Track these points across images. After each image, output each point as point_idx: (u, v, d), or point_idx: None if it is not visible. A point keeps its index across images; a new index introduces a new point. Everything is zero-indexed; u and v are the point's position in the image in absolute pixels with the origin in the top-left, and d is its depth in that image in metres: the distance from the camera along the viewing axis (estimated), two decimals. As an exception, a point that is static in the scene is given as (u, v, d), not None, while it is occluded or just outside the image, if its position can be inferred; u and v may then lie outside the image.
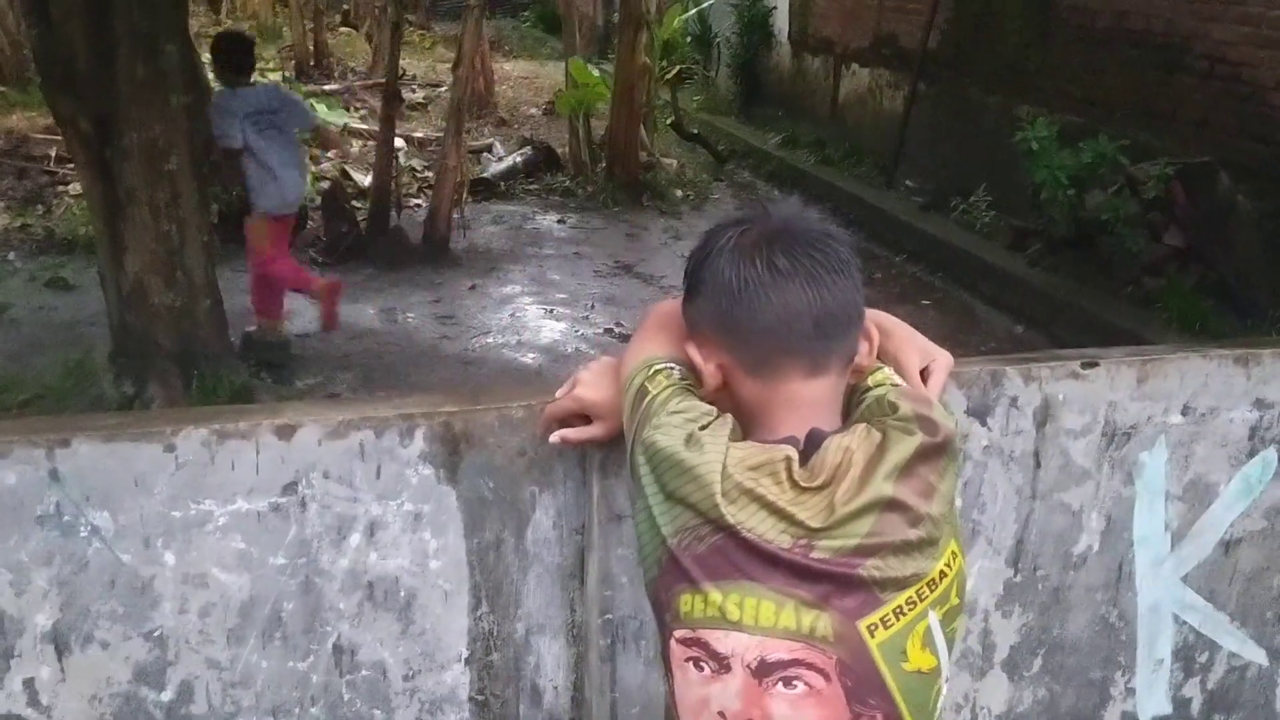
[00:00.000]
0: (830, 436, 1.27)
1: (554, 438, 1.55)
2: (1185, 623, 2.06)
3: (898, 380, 1.42)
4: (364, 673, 1.66)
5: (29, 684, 1.52)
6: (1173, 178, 6.04)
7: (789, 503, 1.22)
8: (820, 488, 1.23)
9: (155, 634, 1.56)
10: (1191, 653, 2.09)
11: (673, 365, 1.39)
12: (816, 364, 1.31)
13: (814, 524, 1.21)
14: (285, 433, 1.55)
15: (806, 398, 1.31)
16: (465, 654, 1.70)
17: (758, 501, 1.22)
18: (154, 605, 1.55)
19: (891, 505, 1.23)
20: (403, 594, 1.65)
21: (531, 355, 5.80)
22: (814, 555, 1.21)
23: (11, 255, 6.98)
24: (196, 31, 13.50)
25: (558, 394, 1.57)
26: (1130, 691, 2.08)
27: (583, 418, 1.55)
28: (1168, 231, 6.15)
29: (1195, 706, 2.12)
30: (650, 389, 1.35)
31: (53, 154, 8.79)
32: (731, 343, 1.32)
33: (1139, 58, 6.72)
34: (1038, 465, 1.89)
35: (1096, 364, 1.88)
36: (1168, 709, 2.11)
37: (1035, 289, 6.57)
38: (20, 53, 10.75)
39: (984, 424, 1.84)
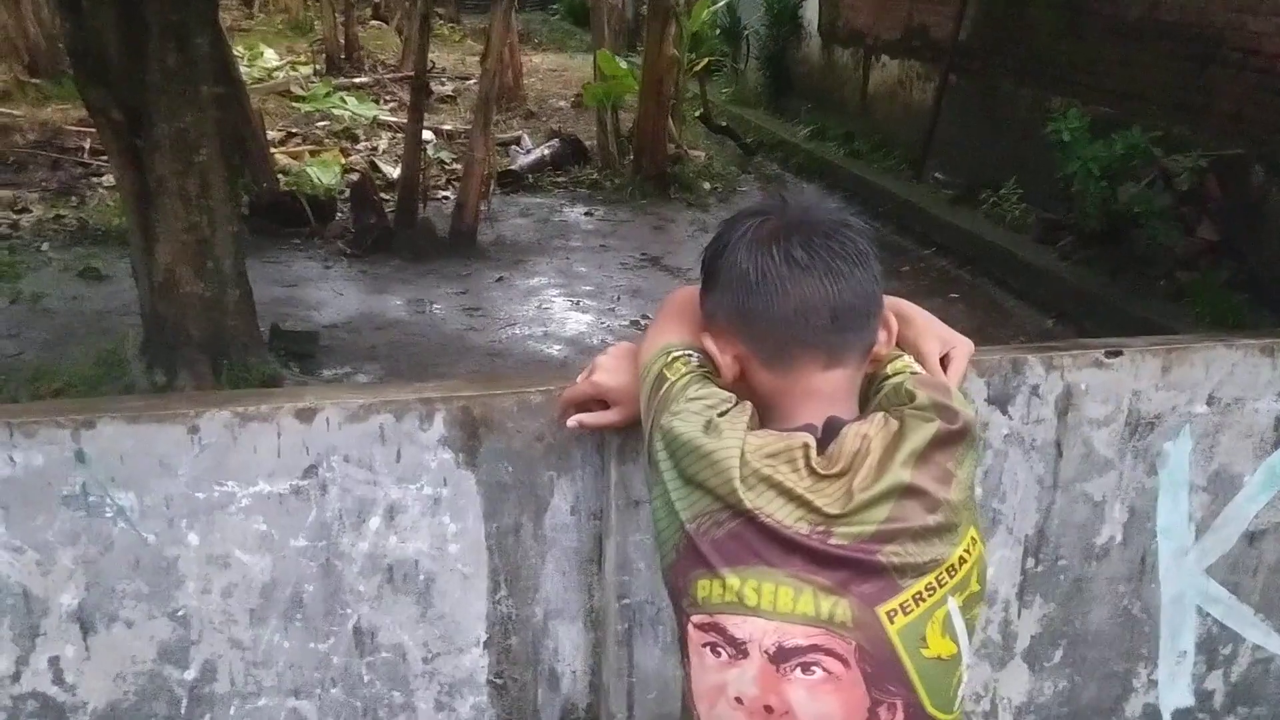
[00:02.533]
0: (848, 424, 1.27)
1: (571, 422, 1.56)
2: (1208, 615, 2.04)
3: (917, 368, 1.41)
4: (383, 655, 1.68)
5: (54, 662, 1.54)
6: (1206, 170, 5.97)
7: (807, 489, 1.22)
8: (838, 475, 1.23)
9: (179, 613, 1.58)
10: (1215, 645, 2.07)
11: (691, 352, 1.39)
12: (834, 355, 1.30)
13: (831, 510, 1.21)
14: (306, 416, 1.56)
15: (824, 388, 1.31)
16: (484, 637, 1.71)
17: (775, 488, 1.22)
18: (178, 585, 1.57)
19: (909, 491, 1.23)
20: (422, 577, 1.66)
21: (557, 347, 5.82)
22: (832, 541, 1.21)
23: (45, 246, 7.07)
24: (229, 25, 13.61)
25: (577, 379, 1.58)
26: (1152, 684, 2.06)
27: (600, 403, 1.56)
28: (1201, 225, 6.08)
29: (1218, 699, 2.10)
30: (668, 376, 1.36)
31: (86, 146, 8.90)
32: (748, 334, 1.32)
33: (1172, 49, 6.64)
34: (1059, 455, 1.88)
35: (1120, 353, 1.86)
36: (1190, 701, 2.09)
37: (1066, 283, 6.51)
38: (54, 46, 10.88)
39: (1005, 412, 1.83)
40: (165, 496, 1.54)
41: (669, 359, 1.38)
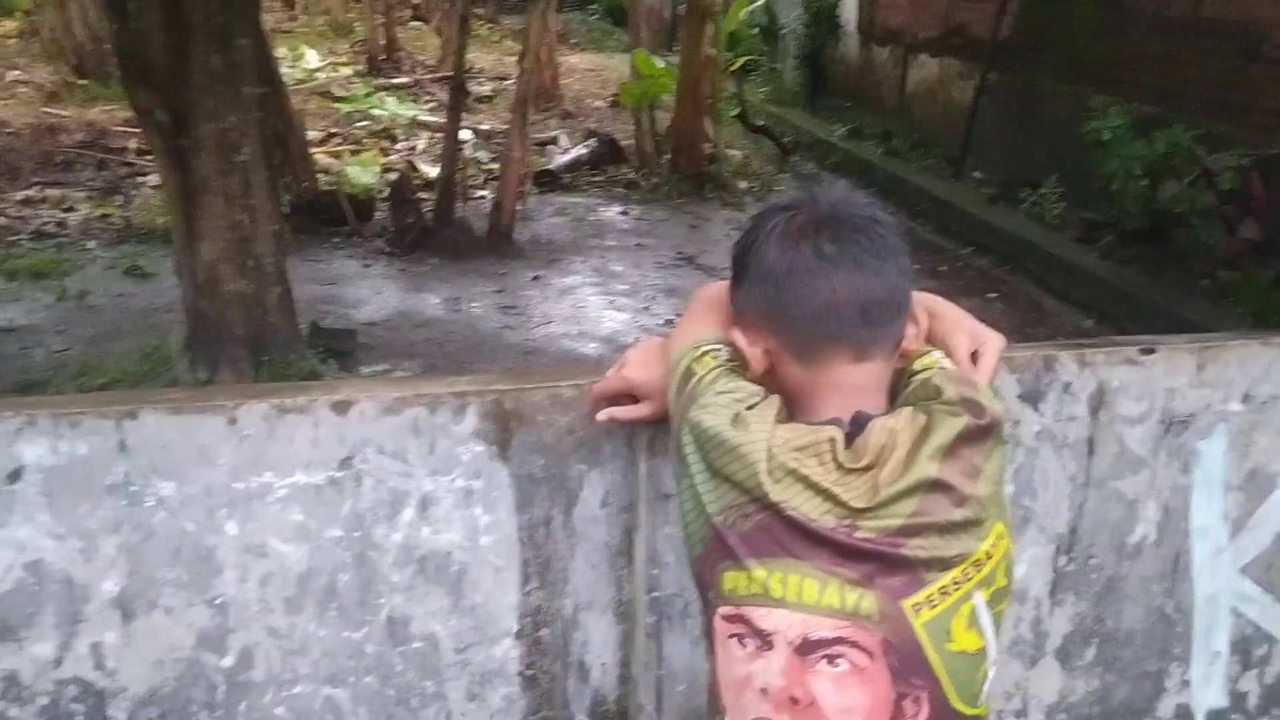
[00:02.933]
0: (875, 419, 1.28)
1: (601, 416, 1.58)
2: (1243, 615, 2.02)
3: (946, 363, 1.42)
4: (416, 644, 1.71)
5: (95, 648, 1.58)
6: (1249, 169, 5.88)
7: (833, 483, 1.23)
8: (865, 469, 1.24)
9: (217, 601, 1.62)
10: (1249, 645, 2.05)
11: (720, 346, 1.40)
12: (863, 350, 1.31)
13: (858, 504, 1.22)
14: (342, 408, 1.59)
15: (852, 383, 1.32)
16: (515, 629, 1.73)
17: (802, 481, 1.23)
18: (216, 573, 1.61)
19: (936, 486, 1.23)
20: (454, 569, 1.68)
21: (592, 345, 5.84)
22: (858, 535, 1.22)
23: (92, 244, 7.20)
24: (272, 27, 13.77)
25: (607, 374, 1.59)
26: (1185, 684, 2.05)
27: (631, 397, 1.57)
28: (1243, 224, 5.99)
29: (1252, 700, 2.08)
30: (697, 370, 1.37)
31: (132, 146, 9.04)
32: (777, 329, 1.33)
33: (1215, 47, 6.55)
34: (1091, 452, 1.87)
35: (1154, 350, 1.85)
36: (1224, 702, 2.07)
37: (1106, 282, 6.44)
38: (101, 48, 11.05)
39: (1036, 409, 1.82)
40: (205, 486, 1.57)
41: (698, 353, 1.39)
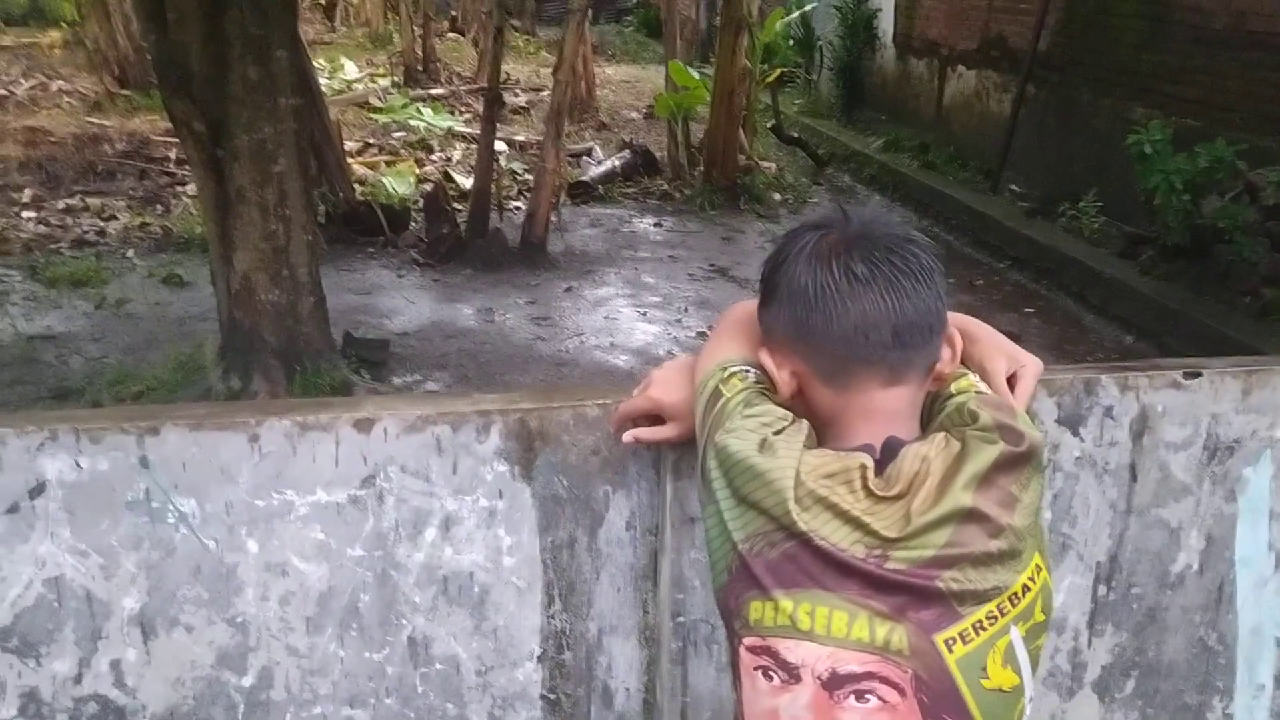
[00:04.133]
0: (907, 445, 1.24)
1: (627, 437, 1.54)
2: (1290, 649, 1.96)
3: (982, 387, 1.38)
4: (438, 666, 1.68)
5: (115, 665, 1.57)
6: (1294, 184, 5.77)
7: (863, 512, 1.19)
8: (896, 497, 1.20)
9: (238, 620, 1.60)
10: (1297, 681, 1.99)
11: (748, 368, 1.36)
12: (895, 373, 1.27)
13: (889, 534, 1.18)
14: (364, 426, 1.57)
15: (884, 407, 1.28)
16: (538, 651, 1.70)
17: (831, 510, 1.19)
18: (237, 592, 1.59)
19: (970, 516, 1.19)
20: (476, 590, 1.66)
21: (624, 357, 5.82)
22: (889, 566, 1.18)
23: (131, 253, 7.28)
24: (311, 38, 13.90)
25: (633, 393, 1.56)
26: (1228, 718, 1.98)
27: (657, 418, 1.54)
28: (1288, 240, 5.88)
29: (1300, 737, 2.01)
30: (724, 392, 1.34)
31: (172, 156, 9.15)
32: (807, 351, 1.29)
33: (1259, 60, 6.43)
34: (1133, 479, 1.81)
35: (1199, 374, 1.79)
36: (1270, 738, 2.00)
37: (1147, 298, 6.34)
38: (144, 58, 11.21)
39: (1076, 434, 1.77)
40: (226, 503, 1.55)
41: (725, 375, 1.36)
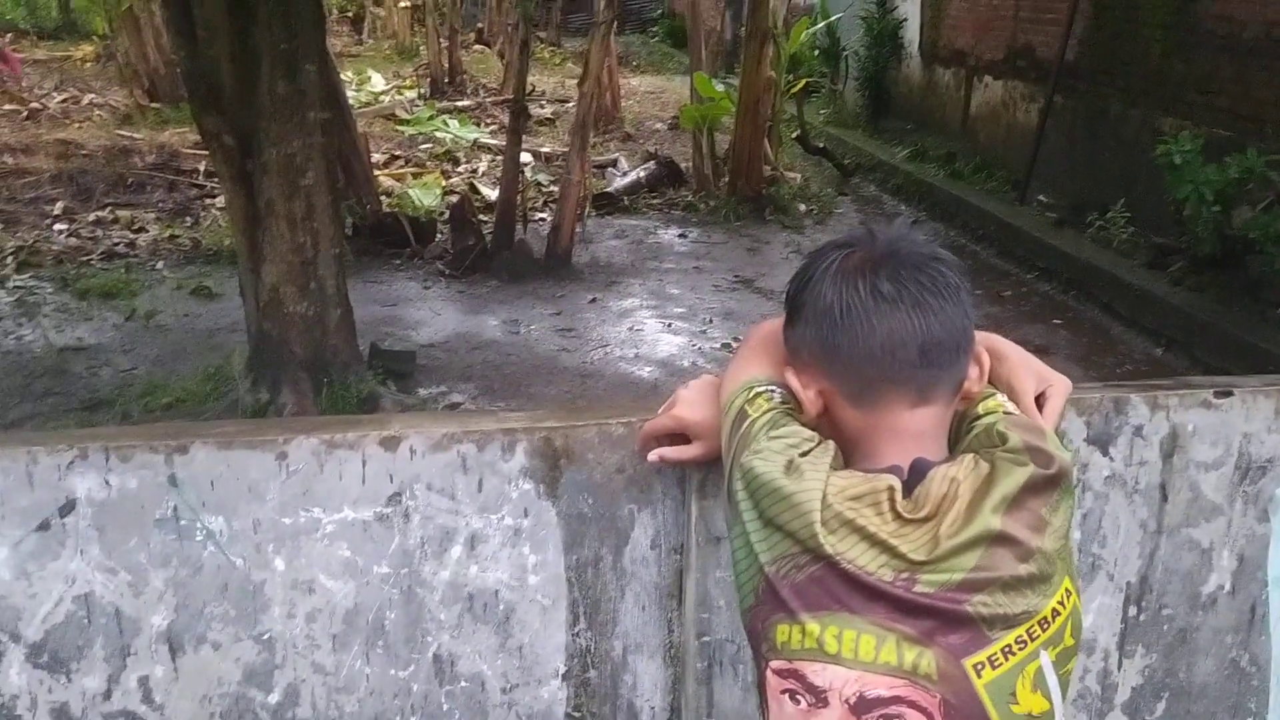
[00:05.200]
0: (936, 467, 1.23)
1: (652, 456, 1.54)
2: (1325, 671, 1.93)
3: (1010, 407, 1.36)
4: (463, 684, 1.68)
5: (144, 681, 1.58)
6: (1327, 194, 5.71)
7: (891, 534, 1.18)
8: (924, 520, 1.19)
9: (265, 637, 1.61)
10: (1332, 704, 1.95)
11: (774, 388, 1.36)
12: (922, 393, 1.26)
13: (917, 557, 1.17)
14: (390, 444, 1.58)
15: (911, 427, 1.27)
16: (563, 670, 1.70)
17: (858, 533, 1.18)
18: (264, 609, 1.60)
19: (1000, 539, 1.18)
20: (501, 608, 1.66)
21: (649, 369, 5.82)
22: (917, 589, 1.17)
23: (160, 265, 7.35)
24: (339, 51, 14.02)
25: (658, 412, 1.56)
26: (1263, 742, 1.95)
27: (682, 437, 1.54)
28: (1321, 251, 5.80)
29: (1336, 761, 1.98)
30: (750, 412, 1.33)
31: (201, 168, 9.23)
32: (833, 370, 1.28)
33: (1292, 68, 6.37)
34: (1164, 498, 1.79)
35: (1230, 393, 1.77)
36: (1305, 762, 1.97)
37: (1176, 310, 6.27)
38: (174, 72, 11.32)
39: (1106, 454, 1.75)
40: (253, 521, 1.56)
41: (751, 395, 1.35)
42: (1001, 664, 1.18)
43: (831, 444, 1.27)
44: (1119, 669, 1.87)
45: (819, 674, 1.19)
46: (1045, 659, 1.20)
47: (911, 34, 11.67)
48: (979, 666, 1.17)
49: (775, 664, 1.23)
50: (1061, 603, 1.22)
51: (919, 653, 1.16)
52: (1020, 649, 1.19)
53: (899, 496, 1.20)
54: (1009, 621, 1.18)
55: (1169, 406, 1.76)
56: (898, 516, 1.19)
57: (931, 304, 1.25)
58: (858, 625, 1.17)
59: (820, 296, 1.28)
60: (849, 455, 1.29)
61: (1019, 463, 1.22)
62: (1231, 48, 6.82)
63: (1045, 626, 1.20)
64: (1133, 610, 1.84)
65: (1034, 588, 1.19)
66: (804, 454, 1.24)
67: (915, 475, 1.23)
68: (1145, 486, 1.78)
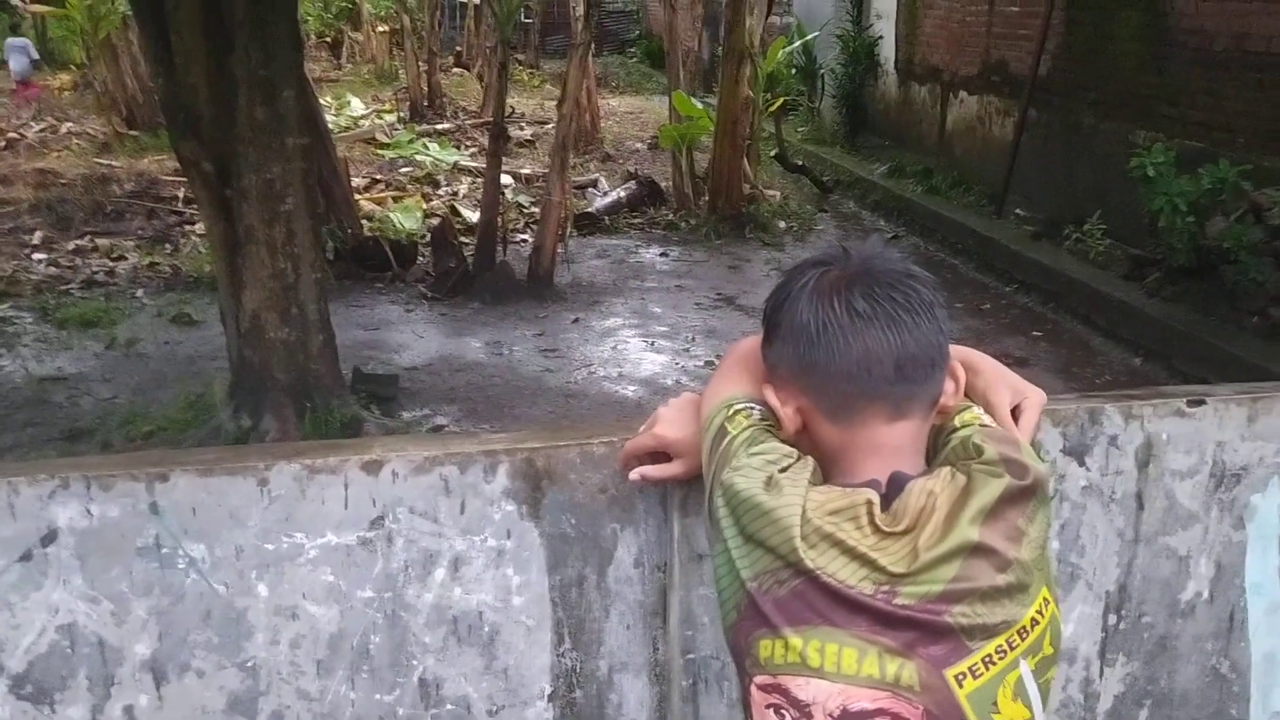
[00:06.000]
0: (913, 480, 1.24)
1: (634, 475, 1.55)
2: (1305, 676, 1.94)
3: (986, 420, 1.38)
4: (449, 707, 1.68)
5: (128, 710, 1.57)
6: (1300, 203, 5.78)
7: (870, 548, 1.19)
8: (903, 533, 1.20)
9: (248, 664, 1.60)
10: (1312, 708, 1.97)
11: (753, 405, 1.37)
12: (898, 408, 1.27)
13: (897, 569, 1.18)
14: (372, 468, 1.58)
15: (888, 442, 1.28)
16: (548, 690, 1.70)
17: (838, 546, 1.19)
18: (247, 636, 1.59)
19: (978, 550, 1.19)
20: (486, 629, 1.66)
21: (632, 388, 5.83)
22: (897, 601, 1.18)
23: (140, 292, 7.33)
24: (318, 76, 14.03)
25: (639, 431, 1.57)
26: (1245, 747, 1.97)
27: (664, 455, 1.54)
28: (1295, 259, 5.88)
29: (1317, 765, 2.00)
30: (730, 429, 1.34)
31: (180, 195, 9.22)
32: (810, 387, 1.30)
33: (1260, 80, 6.46)
34: (1140, 507, 1.81)
35: (1203, 402, 1.80)
36: (1286, 767, 1.99)
37: (1154, 320, 6.33)
38: (152, 100, 11.34)
39: (1082, 464, 1.77)
40: (236, 548, 1.56)
41: (730, 412, 1.36)
42: (982, 674, 1.19)
43: (810, 460, 1.28)
44: (1100, 678, 1.88)
45: (803, 688, 1.19)
46: (1025, 668, 1.21)
47: (887, 51, 11.78)
48: (960, 677, 1.18)
49: (759, 679, 1.23)
50: (1040, 611, 1.23)
51: (901, 664, 1.17)
52: (1000, 658, 1.20)
53: (877, 510, 1.21)
54: (989, 631, 1.19)
55: (1143, 416, 1.78)
56: (877, 530, 1.20)
57: (906, 320, 1.27)
58: (840, 638, 1.18)
59: (797, 315, 1.30)
60: (828, 471, 1.31)
61: (995, 474, 1.23)
62: (1203, 60, 6.92)
63: (1024, 635, 1.21)
64: (1113, 619, 1.86)
65: (1012, 597, 1.20)
66: (783, 470, 1.25)
67: (893, 489, 1.24)
68: (1122, 496, 1.80)
